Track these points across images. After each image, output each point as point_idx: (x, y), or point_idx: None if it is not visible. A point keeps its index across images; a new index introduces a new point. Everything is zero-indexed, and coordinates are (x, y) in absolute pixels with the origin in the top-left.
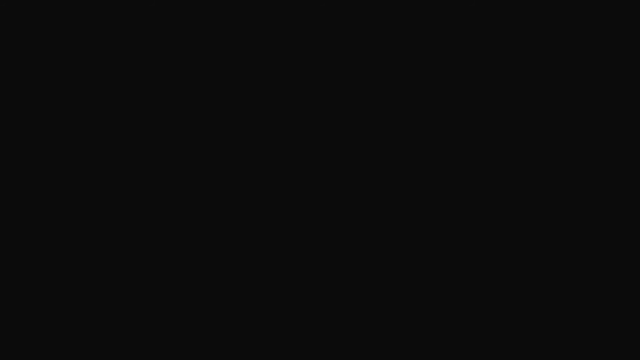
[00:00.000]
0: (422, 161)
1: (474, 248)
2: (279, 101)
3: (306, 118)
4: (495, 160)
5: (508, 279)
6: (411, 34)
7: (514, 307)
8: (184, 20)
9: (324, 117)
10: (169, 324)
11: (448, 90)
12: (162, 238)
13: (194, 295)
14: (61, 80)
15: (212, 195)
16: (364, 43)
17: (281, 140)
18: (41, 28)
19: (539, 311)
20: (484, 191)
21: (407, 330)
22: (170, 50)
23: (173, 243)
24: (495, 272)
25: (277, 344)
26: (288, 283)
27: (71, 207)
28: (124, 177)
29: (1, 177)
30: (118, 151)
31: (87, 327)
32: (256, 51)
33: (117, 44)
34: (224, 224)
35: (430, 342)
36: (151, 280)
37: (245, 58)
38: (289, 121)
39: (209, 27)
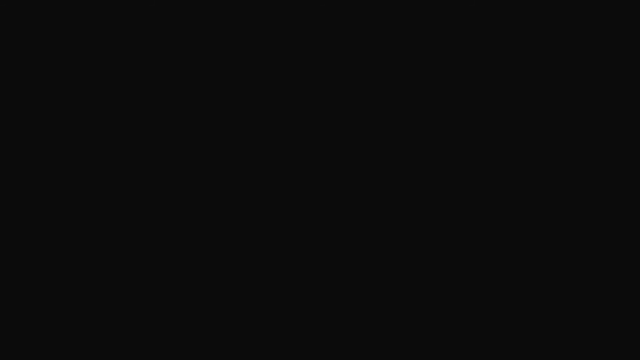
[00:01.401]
0: (422, 161)
1: (473, 248)
2: (279, 101)
3: (306, 118)
4: (495, 160)
5: (508, 278)
6: (411, 34)
7: (514, 307)
8: (184, 20)
9: (324, 117)
10: (169, 324)
11: (448, 90)
12: (162, 238)
13: (194, 295)
14: (61, 80)
15: (212, 194)
16: (364, 43)
17: (281, 140)
18: (41, 28)
19: (539, 311)
20: (483, 191)
21: (407, 330)
22: (170, 50)
23: (173, 243)
24: (495, 272)
25: (277, 344)
26: (288, 283)
27: (71, 206)
28: (124, 177)
29: (1, 177)
30: (118, 151)
31: (87, 327)
32: (256, 51)
33: (117, 44)
34: (223, 224)
35: (430, 342)
36: (151, 280)
37: (245, 58)
38: (289, 121)
39: (209, 27)
